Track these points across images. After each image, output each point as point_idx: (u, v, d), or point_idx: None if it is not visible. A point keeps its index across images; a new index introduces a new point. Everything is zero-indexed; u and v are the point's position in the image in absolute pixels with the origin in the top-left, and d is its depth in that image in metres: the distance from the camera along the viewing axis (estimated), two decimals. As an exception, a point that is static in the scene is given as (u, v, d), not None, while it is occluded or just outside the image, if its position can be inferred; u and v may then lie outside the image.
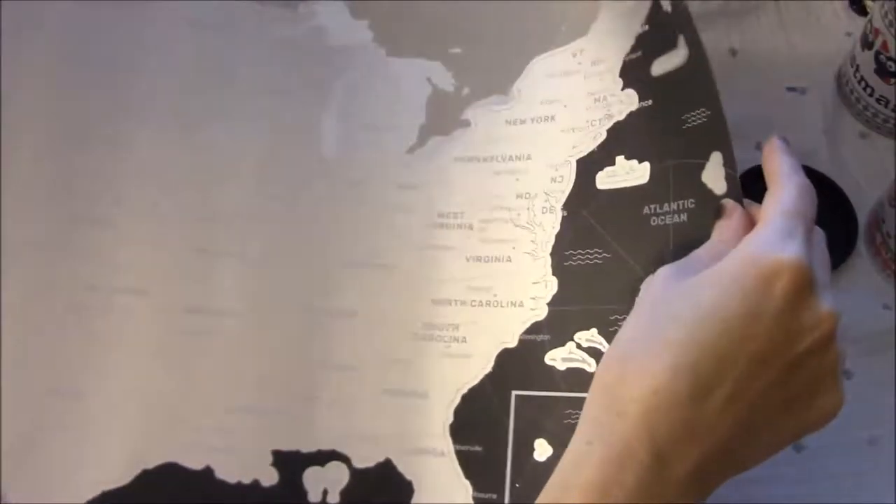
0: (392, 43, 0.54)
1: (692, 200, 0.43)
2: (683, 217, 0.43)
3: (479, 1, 0.54)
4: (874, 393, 0.57)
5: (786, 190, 0.36)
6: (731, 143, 0.43)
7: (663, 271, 0.35)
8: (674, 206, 0.44)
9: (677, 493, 0.32)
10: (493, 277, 0.49)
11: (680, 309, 0.32)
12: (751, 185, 0.65)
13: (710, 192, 0.43)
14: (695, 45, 0.45)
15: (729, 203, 0.39)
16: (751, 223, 0.38)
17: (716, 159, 0.43)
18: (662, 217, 0.44)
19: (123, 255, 0.50)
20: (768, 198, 0.37)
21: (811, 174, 0.66)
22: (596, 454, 0.32)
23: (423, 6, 0.55)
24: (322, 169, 0.52)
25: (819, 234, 0.36)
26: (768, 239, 0.33)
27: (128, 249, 0.50)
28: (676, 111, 0.45)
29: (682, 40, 0.46)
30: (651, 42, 0.48)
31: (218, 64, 0.54)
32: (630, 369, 0.33)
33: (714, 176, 0.43)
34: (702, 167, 0.43)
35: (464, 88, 0.53)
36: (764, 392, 0.32)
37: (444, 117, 0.53)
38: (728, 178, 0.42)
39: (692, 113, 0.44)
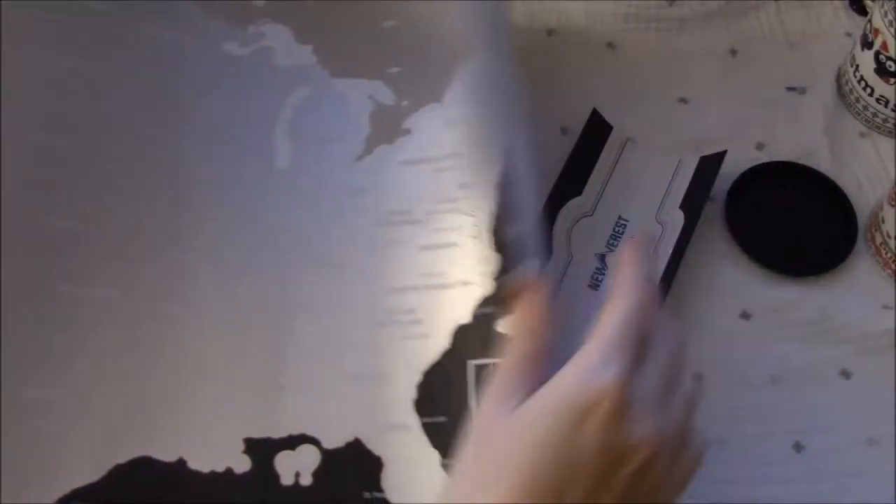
0: (335, 65, 0.59)
1: None
2: None
3: (415, 23, 0.59)
4: (874, 393, 0.57)
5: (619, 307, 0.37)
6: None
7: (486, 407, 0.36)
8: None
9: None
10: (443, 263, 0.52)
11: (508, 448, 0.34)
12: (751, 185, 0.65)
13: None
14: None
15: (519, 290, 0.40)
16: (544, 311, 0.38)
17: None
18: None
19: (92, 256, 0.51)
20: (604, 310, 0.37)
21: (811, 174, 0.66)
22: None
23: (362, 32, 0.59)
24: (276, 180, 0.55)
25: (658, 349, 0.36)
26: (586, 368, 0.34)
27: (96, 252, 0.51)
28: None
29: None
30: None
31: (171, 77, 0.56)
32: None
33: None
34: None
35: (403, 101, 0.57)
36: None
37: (387, 128, 0.57)
38: None
39: None
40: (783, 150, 0.66)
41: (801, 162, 0.65)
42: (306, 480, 0.48)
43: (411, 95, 0.57)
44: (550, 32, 0.71)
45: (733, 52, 0.71)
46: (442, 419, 0.48)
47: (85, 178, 0.53)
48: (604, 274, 0.60)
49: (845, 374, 0.58)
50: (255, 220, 0.54)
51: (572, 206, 0.62)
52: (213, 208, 0.54)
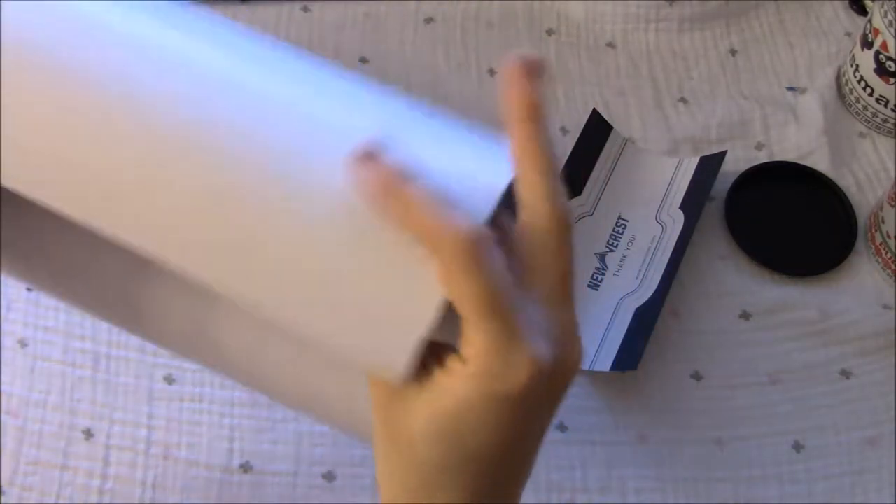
0: None
1: None
2: None
3: None
4: (874, 393, 0.57)
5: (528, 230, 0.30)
6: None
7: (384, 394, 0.30)
8: None
9: None
10: None
11: (442, 457, 0.29)
12: (751, 185, 0.65)
13: None
14: None
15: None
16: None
17: None
18: None
19: None
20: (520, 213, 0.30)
21: (811, 174, 0.66)
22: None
23: None
24: None
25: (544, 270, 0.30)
26: (493, 359, 0.28)
27: None
28: None
29: None
30: None
31: None
32: None
33: None
34: None
35: None
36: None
37: None
38: None
39: None
40: (783, 150, 0.66)
41: (801, 162, 0.65)
42: None
43: None
44: (550, 32, 0.71)
45: (733, 52, 0.71)
46: None
47: None
48: (604, 274, 0.60)
49: (845, 374, 0.58)
50: None
51: (572, 206, 0.62)
52: None
